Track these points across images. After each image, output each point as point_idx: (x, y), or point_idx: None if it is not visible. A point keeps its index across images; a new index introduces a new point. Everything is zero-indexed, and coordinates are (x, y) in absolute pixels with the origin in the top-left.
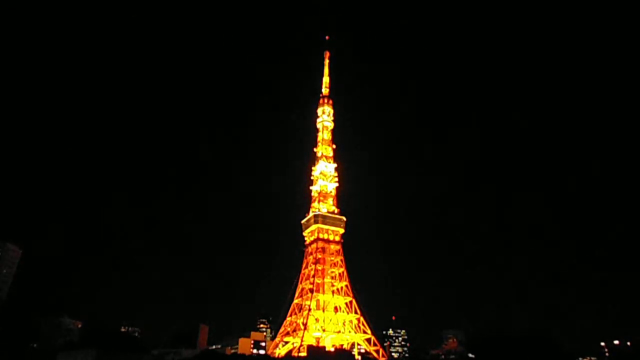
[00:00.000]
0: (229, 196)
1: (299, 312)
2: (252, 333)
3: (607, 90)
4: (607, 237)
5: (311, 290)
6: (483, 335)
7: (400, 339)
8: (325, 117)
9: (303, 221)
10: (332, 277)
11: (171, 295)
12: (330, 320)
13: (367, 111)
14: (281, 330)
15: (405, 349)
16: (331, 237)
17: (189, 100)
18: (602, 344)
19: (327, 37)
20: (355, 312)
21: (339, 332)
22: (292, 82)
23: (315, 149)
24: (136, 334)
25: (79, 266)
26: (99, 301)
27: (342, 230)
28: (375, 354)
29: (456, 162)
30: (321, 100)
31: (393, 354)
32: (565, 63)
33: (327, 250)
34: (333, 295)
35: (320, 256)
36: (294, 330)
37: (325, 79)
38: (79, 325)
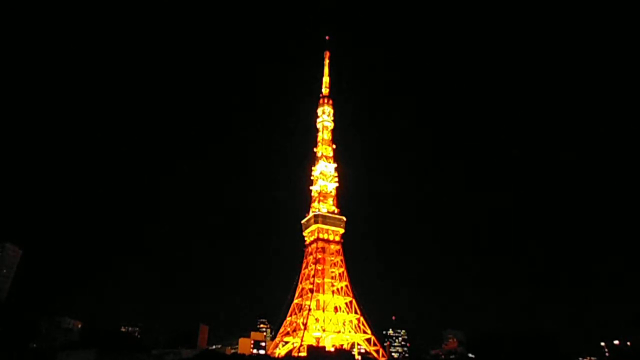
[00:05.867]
0: (229, 196)
1: (299, 312)
2: (252, 333)
3: (604, 91)
4: (607, 237)
5: (311, 290)
6: (483, 335)
7: (400, 339)
8: (325, 117)
9: (303, 221)
10: (332, 277)
11: (171, 295)
12: (330, 320)
13: (367, 111)
14: (281, 330)
15: (405, 349)
16: (331, 237)
17: (188, 100)
18: (602, 344)
19: (327, 37)
20: (355, 312)
21: (339, 332)
22: (292, 82)
23: (315, 149)
24: (136, 334)
25: (79, 266)
26: (99, 301)
27: (342, 230)
28: (375, 354)
29: (457, 161)
30: (321, 100)
31: (393, 354)
32: (565, 64)
33: (327, 250)
34: (333, 295)
35: (320, 256)
36: (294, 330)
37: (325, 79)
38: (79, 325)
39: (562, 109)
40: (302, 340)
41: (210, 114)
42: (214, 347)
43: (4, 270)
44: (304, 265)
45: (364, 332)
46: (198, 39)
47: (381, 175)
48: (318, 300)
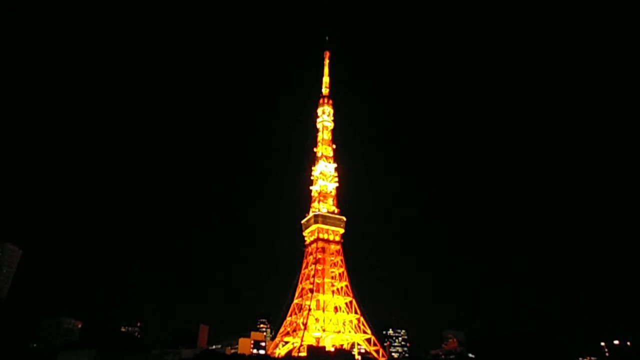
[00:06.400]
0: (228, 196)
1: (299, 312)
2: (252, 333)
3: (604, 90)
4: (607, 237)
5: (311, 290)
6: (483, 335)
7: (400, 339)
8: (325, 117)
9: (303, 221)
10: (332, 277)
11: (171, 295)
12: (330, 320)
13: (367, 111)
14: (281, 330)
15: (405, 349)
16: (331, 237)
17: (187, 100)
18: (602, 344)
19: (327, 37)
20: (355, 312)
21: (339, 332)
22: (291, 82)
23: (315, 149)
24: (136, 334)
25: (79, 266)
26: (99, 301)
27: (342, 230)
28: (375, 354)
29: (456, 161)
30: (321, 100)
31: (393, 354)
32: (565, 64)
33: (327, 250)
34: (333, 295)
35: (320, 256)
36: (294, 330)
37: (325, 79)
38: (79, 325)
39: (561, 109)
40: (302, 340)
41: (210, 114)
42: (214, 347)
43: (4, 270)
44: (304, 265)
45: (364, 332)
46: (198, 39)
47: (381, 175)
48: (318, 300)
